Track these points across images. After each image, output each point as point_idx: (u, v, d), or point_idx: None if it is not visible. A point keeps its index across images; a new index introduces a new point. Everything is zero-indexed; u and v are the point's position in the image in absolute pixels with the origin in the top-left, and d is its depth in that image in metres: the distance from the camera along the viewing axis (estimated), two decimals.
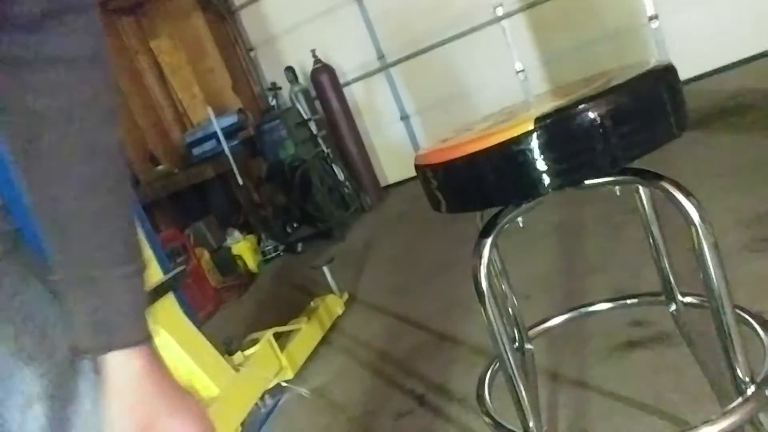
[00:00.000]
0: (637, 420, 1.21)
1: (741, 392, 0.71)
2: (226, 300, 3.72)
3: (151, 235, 2.05)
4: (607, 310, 1.09)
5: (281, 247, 4.27)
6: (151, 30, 4.91)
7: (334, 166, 4.35)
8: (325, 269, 2.58)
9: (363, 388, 1.95)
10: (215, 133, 4.12)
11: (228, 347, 2.12)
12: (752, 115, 2.81)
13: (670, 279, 1.01)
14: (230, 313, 3.54)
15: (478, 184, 0.76)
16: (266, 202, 4.51)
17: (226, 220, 4.55)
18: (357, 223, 4.20)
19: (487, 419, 0.88)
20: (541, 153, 0.70)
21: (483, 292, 0.77)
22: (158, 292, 1.84)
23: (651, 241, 1.02)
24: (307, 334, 2.35)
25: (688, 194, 0.73)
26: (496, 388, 0.95)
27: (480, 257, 0.78)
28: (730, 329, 0.72)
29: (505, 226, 0.81)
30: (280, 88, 4.51)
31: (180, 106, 5.08)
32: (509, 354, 0.80)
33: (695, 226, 0.71)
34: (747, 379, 0.72)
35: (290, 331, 2.34)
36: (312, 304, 2.53)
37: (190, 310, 2.09)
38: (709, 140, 2.68)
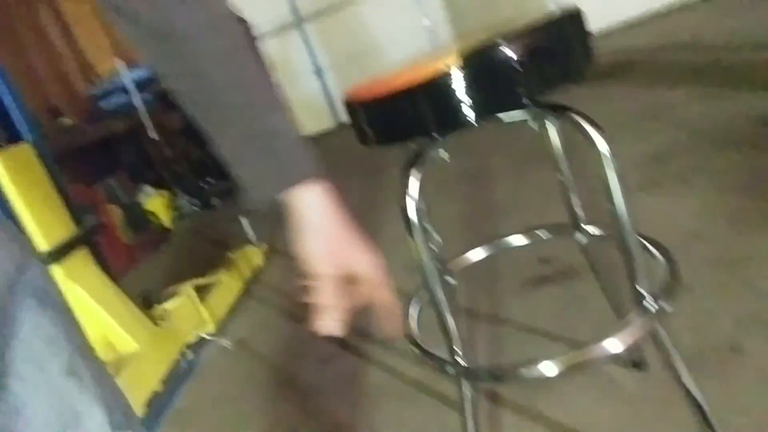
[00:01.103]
0: (548, 349, 1.26)
1: (642, 308, 0.74)
2: (140, 257, 3.45)
3: (64, 188, 1.83)
4: (521, 245, 1.10)
5: (197, 203, 4.00)
6: None
7: None
8: (243, 220, 2.43)
9: (286, 336, 1.89)
10: (125, 86, 3.73)
11: (146, 301, 1.96)
12: (641, 70, 2.98)
13: (577, 213, 1.04)
14: (145, 269, 3.29)
15: (404, 116, 0.76)
16: (180, 157, 4.17)
17: (138, 176, 4.18)
18: None
19: (415, 350, 0.86)
20: (465, 86, 0.71)
21: (410, 222, 0.76)
22: (72, 246, 1.68)
23: (560, 177, 1.03)
24: (226, 286, 2.22)
25: (595, 125, 0.74)
26: (421, 325, 0.93)
27: (407, 188, 0.76)
28: (633, 251, 0.75)
29: (430, 160, 0.79)
30: None
31: (85, 57, 4.53)
32: (437, 284, 0.79)
33: (602, 155, 0.73)
34: (647, 295, 0.75)
35: (209, 284, 2.20)
36: (231, 256, 2.39)
37: (106, 264, 1.91)
38: (608, 91, 2.81)
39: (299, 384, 1.60)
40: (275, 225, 2.97)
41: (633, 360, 1.12)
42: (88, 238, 1.82)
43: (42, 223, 1.62)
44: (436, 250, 1.07)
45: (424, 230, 0.94)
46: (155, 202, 3.82)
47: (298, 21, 4.65)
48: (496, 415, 1.16)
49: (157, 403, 1.75)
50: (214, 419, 1.62)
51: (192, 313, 2.05)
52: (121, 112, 3.94)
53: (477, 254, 1.12)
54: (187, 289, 2.05)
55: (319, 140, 4.67)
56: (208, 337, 2.05)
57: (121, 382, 1.59)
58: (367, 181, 3.00)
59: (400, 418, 1.29)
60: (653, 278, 0.77)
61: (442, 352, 0.83)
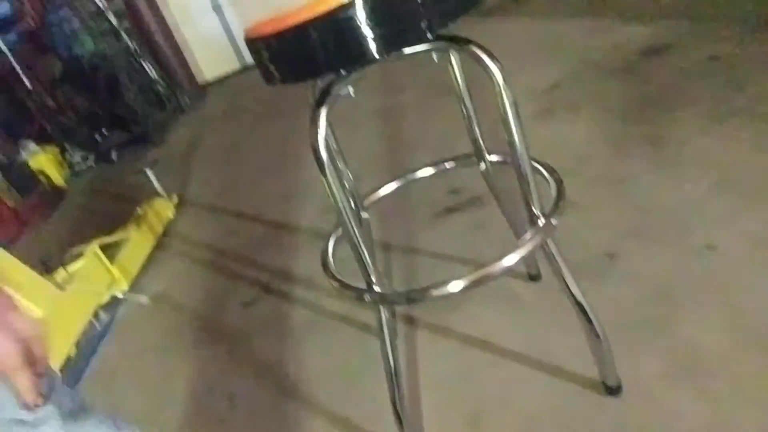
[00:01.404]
0: (458, 272, 1.35)
1: (535, 225, 0.82)
2: (31, 221, 3.13)
3: None
4: (429, 175, 1.15)
5: (92, 157, 3.65)
6: None
7: (143, 62, 3.71)
8: (149, 172, 2.28)
9: (206, 286, 1.85)
10: None
11: (45, 266, 1.82)
12: (535, 4, 3.07)
13: (479, 143, 1.10)
14: (40, 234, 3.01)
15: (308, 52, 0.74)
16: (65, 107, 3.73)
17: (15, 130, 3.68)
18: (177, 124, 3.75)
19: (334, 283, 0.89)
20: (367, 20, 0.70)
21: (322, 160, 0.75)
22: None
23: (463, 110, 1.07)
24: (137, 242, 2.11)
25: (492, 57, 0.77)
26: (339, 262, 0.96)
27: (317, 126, 0.75)
28: (527, 174, 0.81)
29: (337, 97, 0.79)
30: None
31: None
32: (351, 219, 0.81)
33: (499, 85, 0.76)
34: (539, 214, 0.83)
35: (118, 242, 2.07)
36: (139, 211, 2.25)
37: None
38: (507, 25, 2.88)
39: (224, 330, 1.60)
40: (183, 175, 2.82)
41: (530, 273, 1.24)
42: None
43: None
44: (349, 186, 1.09)
45: (336, 168, 0.95)
46: (42, 160, 3.43)
47: None
48: (412, 336, 1.26)
49: (73, 367, 1.69)
50: (139, 373, 1.59)
51: (101, 273, 1.94)
52: None
53: (389, 188, 1.15)
54: (93, 248, 1.92)
55: (224, 84, 4.38)
56: (122, 296, 1.96)
57: None
58: (280, 124, 2.90)
59: (326, 349, 1.35)
60: (546, 198, 0.85)
61: (360, 284, 0.87)
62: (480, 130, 1.09)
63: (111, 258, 1.98)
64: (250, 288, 1.72)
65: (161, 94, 3.78)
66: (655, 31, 2.12)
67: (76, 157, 3.63)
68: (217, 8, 4.29)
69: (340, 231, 1.00)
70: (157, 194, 2.34)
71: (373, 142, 2.23)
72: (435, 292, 0.80)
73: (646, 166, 1.45)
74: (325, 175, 0.77)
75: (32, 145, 3.45)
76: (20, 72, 3.23)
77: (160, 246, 2.22)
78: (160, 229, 2.26)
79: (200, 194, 2.56)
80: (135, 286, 2.02)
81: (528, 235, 0.82)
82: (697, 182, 1.33)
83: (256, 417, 1.26)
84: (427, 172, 1.16)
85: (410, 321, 1.29)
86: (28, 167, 3.38)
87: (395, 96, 2.56)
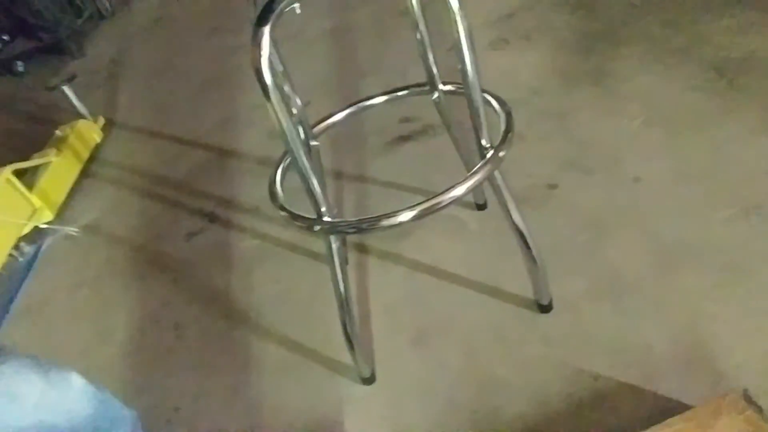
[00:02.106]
0: (409, 202, 1.43)
1: (483, 157, 0.89)
2: None
3: None
4: (382, 103, 1.18)
5: None
6: None
7: None
8: (66, 89, 2.13)
9: (144, 216, 1.83)
10: None
11: None
12: None
13: (433, 72, 1.13)
14: None
15: None
16: None
17: None
18: (97, 33, 3.44)
19: (282, 213, 0.93)
20: None
21: (266, 84, 0.73)
22: None
23: (418, 37, 1.09)
24: (60, 167, 2.01)
25: None
26: (288, 191, 0.99)
27: (259, 47, 0.72)
28: (478, 106, 0.87)
29: (282, 14, 0.76)
30: None
31: None
32: (299, 147, 0.82)
33: (454, 11, 0.79)
34: (488, 146, 0.89)
35: (37, 167, 1.97)
36: (59, 132, 2.12)
37: None
38: None
39: (167, 261, 1.62)
40: (109, 94, 2.65)
41: (476, 203, 1.35)
42: None
43: None
44: (296, 112, 1.10)
45: (282, 92, 0.95)
46: None
47: None
48: (363, 263, 1.35)
49: None
50: (74, 307, 1.59)
51: (18, 201, 1.86)
52: None
53: (339, 116, 1.17)
54: (5, 174, 1.81)
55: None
56: (46, 227, 1.90)
57: None
58: (218, 39, 2.75)
59: (275, 276, 1.42)
60: (495, 130, 0.92)
61: (310, 214, 0.91)
62: (434, 58, 1.13)
63: (29, 186, 1.89)
64: (193, 217, 1.73)
65: None
66: None
67: None
68: None
69: (288, 159, 1.02)
70: (79, 115, 2.21)
71: (323, 66, 2.20)
72: (385, 222, 0.84)
73: (589, 100, 1.56)
74: (269, 100, 0.75)
75: None
76: None
77: (87, 173, 2.14)
78: (86, 154, 2.16)
79: (130, 116, 2.44)
80: (62, 217, 1.96)
81: (477, 167, 0.89)
82: (632, 117, 1.46)
83: (204, 345, 1.33)
84: (379, 100, 1.19)
85: (361, 248, 1.38)
86: None
87: (347, 14, 2.49)
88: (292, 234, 1.51)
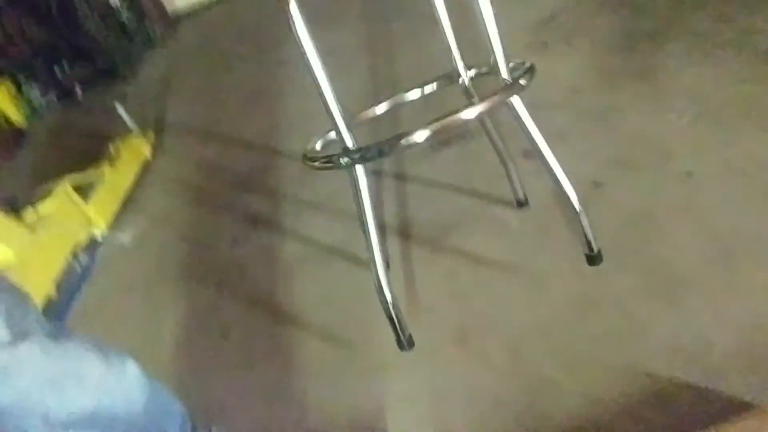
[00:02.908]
0: (451, 201, 1.44)
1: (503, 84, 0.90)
2: None
3: None
4: (419, 100, 1.20)
5: (54, 93, 3.55)
6: None
7: None
8: (119, 107, 2.26)
9: (191, 224, 1.91)
10: None
11: (11, 206, 1.83)
12: None
13: (457, 60, 1.16)
14: (3, 176, 2.98)
15: None
16: (17, 36, 3.57)
17: None
18: (147, 58, 3.65)
19: (312, 163, 0.94)
20: None
21: (315, 71, 0.80)
22: None
23: (442, 29, 1.13)
24: (112, 180, 2.13)
25: None
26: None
27: (294, 25, 0.79)
28: (494, 43, 0.88)
29: None
30: None
31: None
32: (347, 133, 0.85)
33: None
34: (506, 74, 0.90)
35: (93, 181, 2.09)
36: (112, 148, 2.25)
37: None
38: None
39: (213, 267, 1.67)
40: (158, 111, 2.80)
41: (517, 200, 1.34)
42: None
43: None
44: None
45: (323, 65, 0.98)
46: None
47: None
48: (406, 264, 1.35)
49: (55, 308, 1.75)
50: (125, 311, 1.66)
51: (74, 212, 1.97)
52: None
53: (379, 109, 1.20)
54: (64, 187, 1.93)
55: (197, 15, 4.22)
56: (101, 236, 2.01)
57: None
58: (259, 58, 2.87)
59: (318, 279, 1.44)
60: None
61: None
62: (459, 49, 1.16)
63: (85, 197, 2.01)
64: (238, 224, 1.78)
65: (127, 25, 3.65)
66: None
67: (35, 93, 3.53)
68: None
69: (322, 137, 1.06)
70: (131, 131, 2.34)
71: (361, 78, 2.25)
72: (404, 142, 0.85)
73: (634, 98, 1.53)
74: (318, 84, 0.81)
75: None
76: None
77: (138, 185, 2.25)
78: (137, 167, 2.28)
79: (178, 131, 2.56)
80: (115, 227, 2.06)
81: (497, 91, 0.87)
82: (681, 113, 1.42)
83: (251, 345, 1.36)
84: (414, 94, 1.21)
85: (404, 251, 1.39)
86: None
87: (383, 26, 2.55)
88: (334, 238, 1.53)
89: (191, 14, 4.29)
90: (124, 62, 3.44)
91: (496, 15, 0.87)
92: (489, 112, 0.88)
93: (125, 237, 1.98)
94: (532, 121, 0.94)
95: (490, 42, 0.88)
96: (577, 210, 1.00)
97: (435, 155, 1.66)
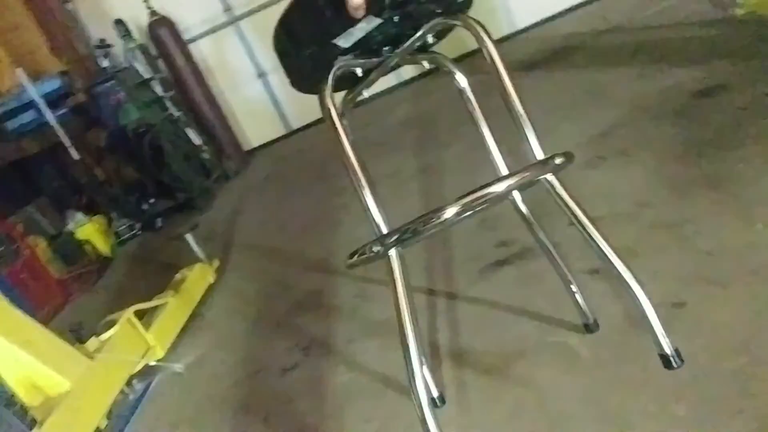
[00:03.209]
0: (510, 324, 1.32)
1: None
2: (76, 291, 3.32)
3: None
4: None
5: (138, 225, 3.88)
6: None
7: (188, 130, 4.02)
8: (189, 237, 2.40)
9: (244, 352, 1.87)
10: (33, 101, 3.53)
11: (77, 334, 1.89)
12: (580, 55, 3.15)
13: (499, 169, 1.15)
14: (84, 303, 3.17)
15: None
16: (113, 177, 4.03)
17: (62, 201, 3.98)
18: (222, 191, 3.97)
19: (352, 260, 0.91)
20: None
21: (355, 168, 0.86)
22: None
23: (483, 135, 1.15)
24: (175, 308, 2.18)
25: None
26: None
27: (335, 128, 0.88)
28: (522, 119, 0.89)
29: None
30: (111, 46, 3.99)
31: None
32: (393, 250, 0.82)
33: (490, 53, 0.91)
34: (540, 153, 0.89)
35: (155, 308, 2.15)
36: (178, 276, 2.34)
37: (24, 302, 1.82)
38: (551, 76, 2.96)
39: (262, 396, 1.60)
40: (226, 240, 2.95)
41: (585, 324, 1.19)
42: None
43: None
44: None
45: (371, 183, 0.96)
46: (89, 230, 3.67)
47: (231, 18, 4.45)
48: (464, 400, 1.21)
49: None
50: None
51: (135, 340, 1.99)
52: (34, 131, 3.65)
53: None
54: (127, 315, 1.98)
55: (269, 149, 4.64)
56: (156, 364, 2.00)
57: (53, 423, 1.52)
58: (319, 187, 3.03)
59: (368, 415, 1.31)
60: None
61: None
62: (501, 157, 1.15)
63: (147, 325, 2.04)
64: (290, 353, 1.73)
65: (206, 162, 4.04)
66: (703, 74, 2.12)
67: (122, 225, 3.87)
68: (262, 75, 4.60)
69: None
70: (198, 259, 2.44)
71: (415, 201, 2.28)
72: (435, 219, 0.83)
73: (709, 208, 1.41)
74: (360, 189, 0.86)
75: (79, 216, 3.71)
76: (68, 144, 3.50)
77: (199, 311, 2.29)
78: (199, 295, 2.34)
79: (241, 259, 2.66)
80: (171, 354, 2.07)
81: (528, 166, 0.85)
82: (765, 221, 1.27)
83: None
84: (453, 209, 1.17)
85: (460, 383, 1.25)
86: (75, 238, 3.62)
87: (437, 152, 2.64)
88: (385, 367, 1.43)
89: (263, 148, 4.71)
90: (201, 196, 3.75)
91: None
92: (520, 187, 0.85)
93: (179, 365, 1.96)
94: (577, 207, 0.87)
95: (521, 123, 0.89)
96: (658, 334, 0.86)
97: (491, 275, 1.57)
